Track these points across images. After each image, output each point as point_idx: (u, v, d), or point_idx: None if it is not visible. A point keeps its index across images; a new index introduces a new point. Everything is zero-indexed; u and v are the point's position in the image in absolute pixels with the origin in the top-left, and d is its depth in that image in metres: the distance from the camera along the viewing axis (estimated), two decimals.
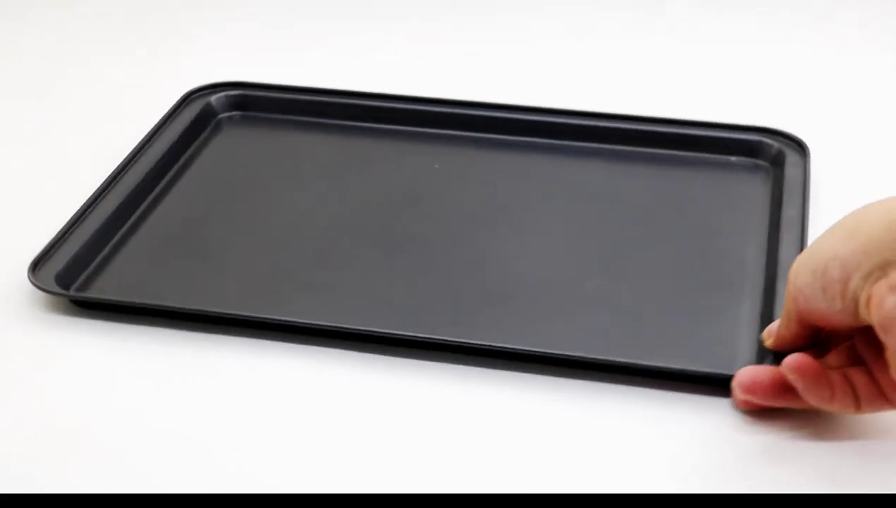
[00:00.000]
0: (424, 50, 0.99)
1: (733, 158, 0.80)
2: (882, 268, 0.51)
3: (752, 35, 1.01)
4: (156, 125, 0.82)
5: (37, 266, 0.68)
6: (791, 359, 0.56)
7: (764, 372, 0.58)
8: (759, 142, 0.79)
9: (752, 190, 0.77)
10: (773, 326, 0.61)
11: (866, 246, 0.52)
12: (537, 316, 0.66)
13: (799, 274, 0.55)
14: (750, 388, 0.58)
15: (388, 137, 0.83)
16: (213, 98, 0.85)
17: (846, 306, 0.53)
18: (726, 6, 1.05)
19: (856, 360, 0.57)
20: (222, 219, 0.75)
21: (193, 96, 0.85)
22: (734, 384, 0.59)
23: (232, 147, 0.82)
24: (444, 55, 0.98)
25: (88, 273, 0.69)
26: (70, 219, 0.71)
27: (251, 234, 0.73)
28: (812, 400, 0.56)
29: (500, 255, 0.71)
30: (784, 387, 0.57)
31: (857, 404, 0.56)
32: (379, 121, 0.84)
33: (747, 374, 0.58)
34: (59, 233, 0.70)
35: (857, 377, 0.56)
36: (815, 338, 0.59)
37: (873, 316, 0.51)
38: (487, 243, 0.72)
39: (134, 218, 0.74)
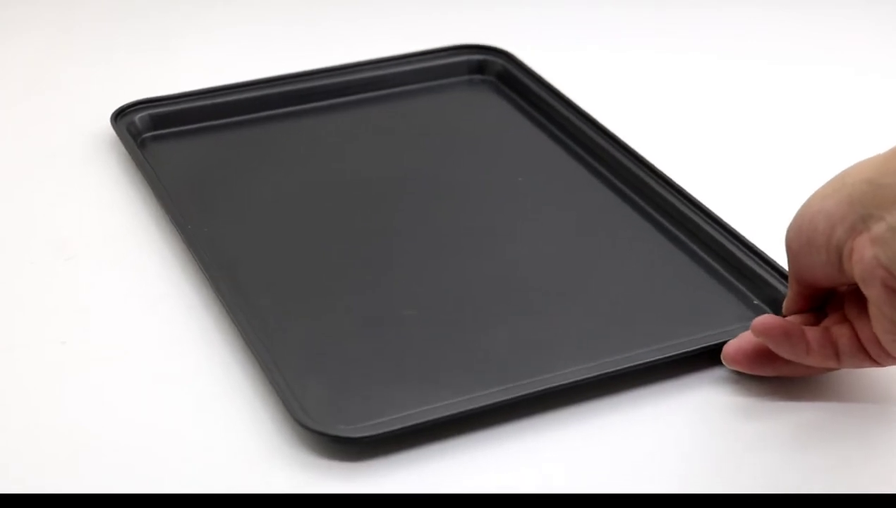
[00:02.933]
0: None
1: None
2: (864, 221, 0.52)
3: None
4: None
5: None
6: (757, 321, 0.58)
7: (747, 340, 0.60)
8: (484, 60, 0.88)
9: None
10: None
11: (850, 199, 0.53)
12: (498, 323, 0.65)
13: (791, 229, 0.57)
14: (734, 359, 0.60)
15: (310, 116, 0.84)
16: (137, 118, 0.82)
17: (830, 259, 0.54)
18: None
19: (845, 319, 0.58)
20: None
21: (119, 118, 0.82)
22: (722, 356, 0.60)
23: (172, 164, 0.79)
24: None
25: None
26: None
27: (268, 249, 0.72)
28: (786, 355, 0.57)
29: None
30: (768, 354, 0.59)
31: (837, 358, 0.57)
32: (297, 102, 0.85)
33: (732, 345, 0.60)
34: None
35: (840, 332, 0.57)
36: (820, 300, 0.60)
37: (855, 269, 0.53)
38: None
39: None
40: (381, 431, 0.55)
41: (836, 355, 0.57)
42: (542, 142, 0.81)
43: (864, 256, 0.52)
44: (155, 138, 0.81)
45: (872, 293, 0.53)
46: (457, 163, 0.79)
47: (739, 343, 0.60)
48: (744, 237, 0.69)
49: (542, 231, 0.73)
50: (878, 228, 0.51)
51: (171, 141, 0.81)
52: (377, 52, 0.89)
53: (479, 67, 0.89)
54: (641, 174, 0.75)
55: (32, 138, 0.84)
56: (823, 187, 0.56)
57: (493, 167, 0.79)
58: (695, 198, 0.72)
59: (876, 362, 0.57)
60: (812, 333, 0.58)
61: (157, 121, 0.82)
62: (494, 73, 0.88)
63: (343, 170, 0.78)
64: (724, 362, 0.60)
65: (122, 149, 0.79)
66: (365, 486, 0.54)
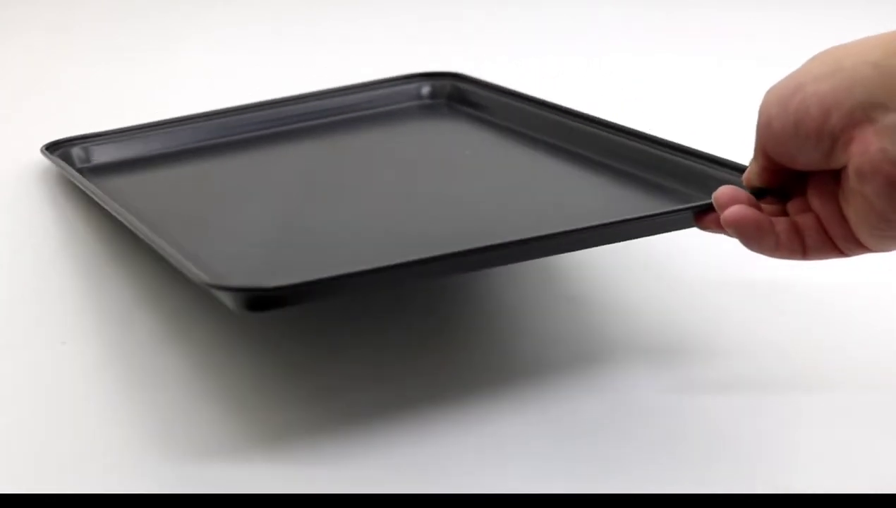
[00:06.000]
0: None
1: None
2: (866, 110, 0.48)
3: None
4: None
5: None
6: (730, 212, 0.53)
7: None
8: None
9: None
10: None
11: (850, 83, 0.48)
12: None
13: (769, 105, 0.52)
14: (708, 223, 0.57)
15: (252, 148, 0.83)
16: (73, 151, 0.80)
17: (821, 145, 0.50)
18: None
19: (808, 207, 0.54)
20: None
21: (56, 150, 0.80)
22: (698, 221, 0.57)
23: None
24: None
25: None
26: None
27: None
28: (754, 249, 0.54)
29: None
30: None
31: (804, 251, 0.53)
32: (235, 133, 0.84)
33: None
34: None
35: (806, 224, 0.53)
36: (786, 178, 0.55)
37: (853, 161, 0.49)
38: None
39: None
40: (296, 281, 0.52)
41: (804, 249, 0.53)
42: (508, 144, 0.82)
43: (869, 149, 0.48)
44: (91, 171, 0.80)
45: (870, 187, 0.48)
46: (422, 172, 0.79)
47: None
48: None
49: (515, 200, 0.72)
50: (888, 120, 0.47)
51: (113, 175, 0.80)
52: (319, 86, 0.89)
53: (432, 92, 0.89)
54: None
55: None
56: (813, 64, 0.51)
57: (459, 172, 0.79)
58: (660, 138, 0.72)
59: (842, 253, 0.53)
60: (780, 225, 0.53)
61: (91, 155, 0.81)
62: (445, 94, 0.89)
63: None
64: (700, 227, 0.57)
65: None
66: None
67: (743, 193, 0.55)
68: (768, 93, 0.52)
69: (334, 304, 0.67)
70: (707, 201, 0.57)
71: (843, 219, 0.52)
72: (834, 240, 0.53)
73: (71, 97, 0.94)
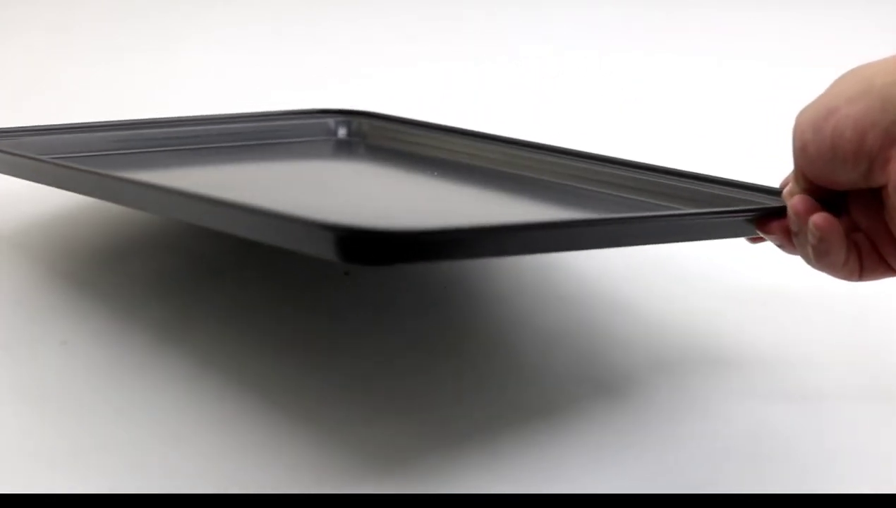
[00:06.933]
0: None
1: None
2: None
3: None
4: None
5: None
6: (819, 217, 0.51)
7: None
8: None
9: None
10: (787, 178, 0.56)
11: (883, 102, 0.48)
12: None
13: (803, 130, 0.51)
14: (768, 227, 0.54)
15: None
16: None
17: (859, 166, 0.50)
18: None
19: (856, 226, 0.53)
20: None
21: None
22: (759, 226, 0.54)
23: None
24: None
25: None
26: None
27: None
28: (822, 262, 0.52)
29: None
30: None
31: (861, 271, 0.52)
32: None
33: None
34: None
35: (862, 242, 0.52)
36: (829, 198, 0.53)
37: (892, 179, 0.48)
38: None
39: None
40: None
41: (860, 268, 0.52)
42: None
43: None
44: None
45: None
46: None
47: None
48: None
49: None
50: None
51: None
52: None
53: (347, 129, 0.87)
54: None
55: None
56: (843, 86, 0.50)
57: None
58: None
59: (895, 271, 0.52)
60: (848, 241, 0.52)
61: None
62: (360, 132, 0.86)
63: None
64: (761, 232, 0.55)
65: None
66: None
67: (817, 204, 0.53)
68: (800, 117, 0.52)
69: (334, 304, 0.67)
70: (770, 206, 0.55)
71: (891, 236, 0.51)
72: (885, 257, 0.52)
73: (71, 97, 0.94)
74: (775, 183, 0.57)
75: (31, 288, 0.68)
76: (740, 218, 0.55)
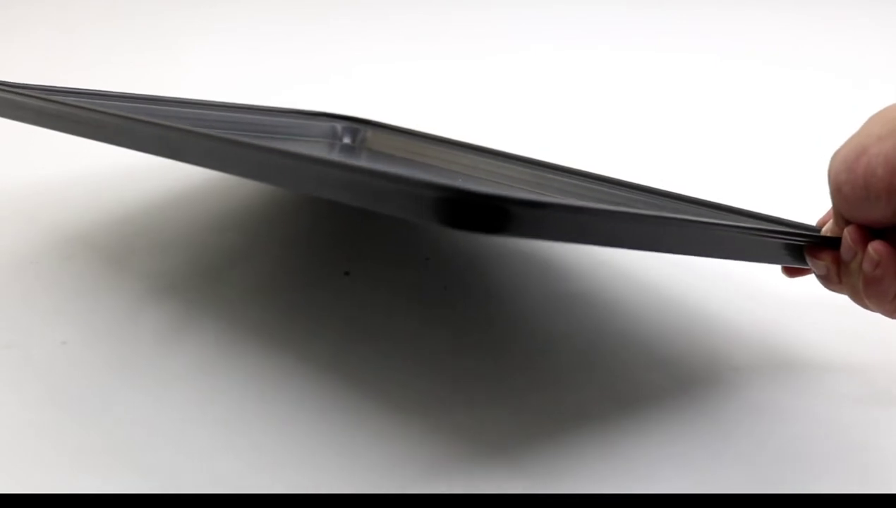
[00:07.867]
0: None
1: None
2: None
3: None
4: None
5: None
6: (878, 244, 0.52)
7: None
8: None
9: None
10: (825, 218, 0.58)
11: None
12: None
13: (837, 172, 0.53)
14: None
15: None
16: None
17: (891, 202, 0.51)
18: None
19: None
20: None
21: None
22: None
23: None
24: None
25: None
26: None
27: None
28: (872, 292, 0.53)
29: None
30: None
31: None
32: None
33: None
34: None
35: None
36: (870, 236, 0.54)
37: None
38: None
39: None
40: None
41: None
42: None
43: None
44: None
45: None
46: None
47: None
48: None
49: None
50: None
51: None
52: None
53: (351, 135, 0.87)
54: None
55: None
56: (873, 126, 0.52)
57: None
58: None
59: None
60: None
61: None
62: (362, 139, 0.87)
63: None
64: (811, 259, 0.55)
65: None
66: None
67: (871, 234, 0.53)
68: (834, 158, 0.53)
69: (332, 299, 0.67)
70: (825, 235, 0.55)
71: None
72: None
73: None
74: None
75: (31, 288, 0.68)
76: (801, 241, 0.55)
